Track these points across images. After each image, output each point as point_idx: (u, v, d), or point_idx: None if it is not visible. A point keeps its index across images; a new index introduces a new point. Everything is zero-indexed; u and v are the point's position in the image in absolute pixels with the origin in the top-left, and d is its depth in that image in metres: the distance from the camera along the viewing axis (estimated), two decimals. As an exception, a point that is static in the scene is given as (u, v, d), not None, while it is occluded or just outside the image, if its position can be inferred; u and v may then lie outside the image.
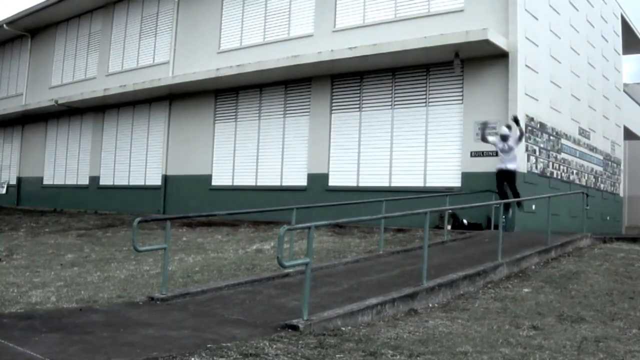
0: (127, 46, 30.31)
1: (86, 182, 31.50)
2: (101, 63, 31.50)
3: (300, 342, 6.92)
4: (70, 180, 32.72)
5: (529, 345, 7.29)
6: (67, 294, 10.07)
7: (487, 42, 17.94)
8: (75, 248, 16.95)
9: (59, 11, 33.37)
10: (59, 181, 33.49)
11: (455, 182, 19.30)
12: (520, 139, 17.03)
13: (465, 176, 19.05)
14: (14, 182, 36.91)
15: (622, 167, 30.18)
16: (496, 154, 18.04)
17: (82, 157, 32.23)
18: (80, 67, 33.06)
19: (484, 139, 17.38)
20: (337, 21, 22.42)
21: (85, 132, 32.25)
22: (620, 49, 30.44)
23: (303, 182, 22.63)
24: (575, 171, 22.97)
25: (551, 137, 20.82)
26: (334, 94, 22.35)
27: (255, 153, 24.41)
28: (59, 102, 30.89)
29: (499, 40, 18.26)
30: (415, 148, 20.27)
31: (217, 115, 26.00)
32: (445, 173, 19.60)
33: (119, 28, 30.97)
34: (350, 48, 20.22)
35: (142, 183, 28.61)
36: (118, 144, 30.17)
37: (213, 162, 25.80)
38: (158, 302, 9.24)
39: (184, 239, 17.87)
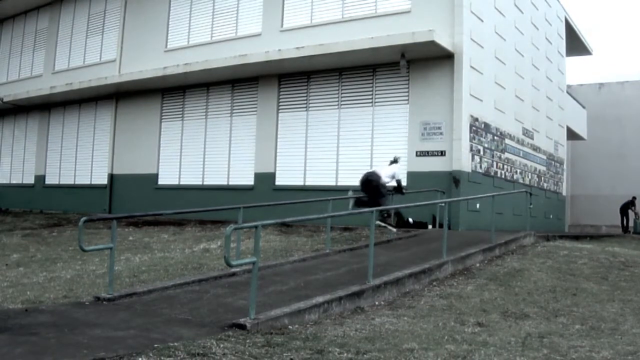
0: (74, 44, 29.89)
1: (32, 181, 31.00)
2: (47, 61, 31.00)
3: (247, 341, 6.96)
4: (16, 179, 32.17)
5: (474, 342, 7.44)
6: (13, 295, 9.96)
7: (433, 43, 18.15)
8: (20, 248, 16.73)
9: (4, 8, 32.73)
10: (3, 180, 32.86)
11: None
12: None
13: (411, 175, 19.24)
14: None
15: (565, 166, 30.76)
16: (441, 153, 18.48)
17: (27, 155, 31.73)
18: (26, 65, 32.52)
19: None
20: (285, 21, 22.44)
21: (30, 131, 31.74)
22: (564, 51, 31.01)
23: (250, 181, 22.62)
24: (519, 170, 23.37)
25: (495, 137, 21.15)
26: (281, 93, 22.39)
27: (202, 152, 24.31)
28: (5, 99, 30.41)
29: (445, 42, 18.49)
30: (362, 148, 20.42)
31: (163, 114, 25.82)
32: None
33: (66, 25, 30.50)
34: (297, 48, 20.29)
35: (88, 182, 28.25)
36: (64, 143, 29.75)
37: (159, 161, 25.61)
38: (104, 302, 9.19)
39: (131, 238, 17.75)
